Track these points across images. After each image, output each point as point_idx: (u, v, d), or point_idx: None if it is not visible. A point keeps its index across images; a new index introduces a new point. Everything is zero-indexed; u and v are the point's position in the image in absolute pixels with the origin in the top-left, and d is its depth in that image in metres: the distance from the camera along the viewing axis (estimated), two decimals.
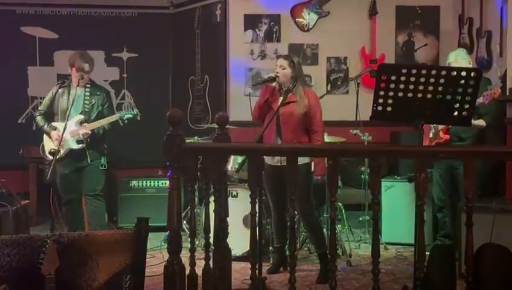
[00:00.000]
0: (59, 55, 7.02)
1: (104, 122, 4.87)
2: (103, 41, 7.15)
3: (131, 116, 4.99)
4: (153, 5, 7.36)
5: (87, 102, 4.88)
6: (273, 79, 4.52)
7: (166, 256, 3.03)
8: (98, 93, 4.98)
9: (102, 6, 7.22)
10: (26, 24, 7.06)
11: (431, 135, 4.77)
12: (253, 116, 4.61)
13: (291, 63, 4.47)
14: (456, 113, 3.07)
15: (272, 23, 7.05)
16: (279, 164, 4.40)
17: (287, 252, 4.49)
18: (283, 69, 4.47)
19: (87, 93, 4.89)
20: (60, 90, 4.93)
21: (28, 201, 4.86)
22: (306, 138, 4.46)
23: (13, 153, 6.43)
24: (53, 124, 4.91)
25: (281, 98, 4.46)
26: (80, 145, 4.85)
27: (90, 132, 4.80)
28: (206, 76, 7.14)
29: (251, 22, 7.05)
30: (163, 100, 7.15)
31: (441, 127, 4.69)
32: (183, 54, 7.29)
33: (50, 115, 4.96)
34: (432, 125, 4.76)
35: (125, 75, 7.25)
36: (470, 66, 4.72)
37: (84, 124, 4.82)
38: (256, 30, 7.06)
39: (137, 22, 7.26)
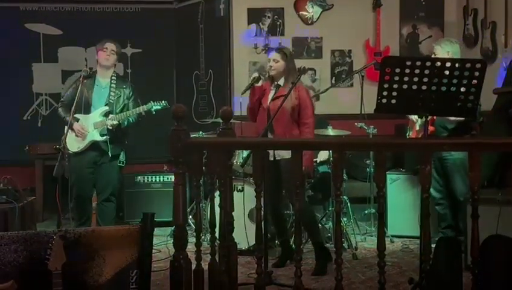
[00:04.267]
0: (63, 52, 7.02)
1: (133, 113, 4.85)
2: (107, 36, 7.06)
3: (159, 107, 4.89)
4: (156, 0, 7.35)
5: (112, 93, 4.86)
6: (258, 79, 4.47)
7: (173, 251, 3.04)
8: (124, 86, 4.97)
9: (106, 1, 7.21)
10: (30, 21, 7.06)
11: (417, 127, 4.78)
12: (249, 118, 4.64)
13: (284, 55, 4.46)
14: (460, 104, 3.06)
15: (276, 16, 7.04)
16: (273, 158, 4.39)
17: (293, 246, 4.50)
18: (276, 62, 4.44)
19: (113, 85, 4.87)
20: (85, 81, 4.83)
21: (34, 197, 4.87)
22: (297, 130, 4.43)
23: (19, 150, 6.44)
24: (76, 115, 4.78)
25: (271, 92, 4.45)
26: (104, 137, 4.83)
27: (117, 122, 4.78)
28: (210, 70, 7.13)
29: (254, 15, 7.04)
30: (167, 95, 7.09)
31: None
32: (187, 49, 7.28)
33: (72, 106, 4.77)
34: (415, 118, 4.78)
35: (129, 71, 7.24)
36: (447, 55, 4.70)
37: (111, 115, 4.80)
38: (260, 24, 7.05)
39: (141, 17, 7.25)
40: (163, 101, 4.94)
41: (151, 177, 6.26)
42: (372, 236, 5.47)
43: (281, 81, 4.48)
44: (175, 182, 3.03)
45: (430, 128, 4.67)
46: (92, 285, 2.89)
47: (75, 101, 4.67)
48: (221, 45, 7.02)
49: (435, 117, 4.62)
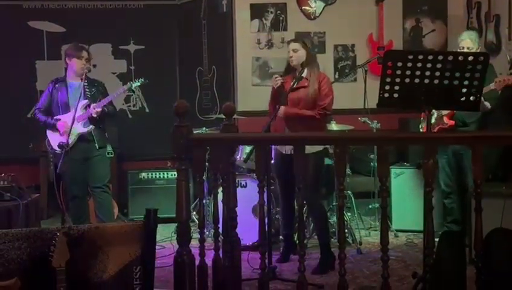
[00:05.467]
0: None
1: (114, 94, 5.01)
2: (110, 34, 7.15)
3: (138, 84, 5.10)
4: None
5: (87, 90, 4.95)
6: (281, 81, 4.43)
7: (177, 247, 3.04)
8: (96, 84, 5.10)
9: None
10: (33, 18, 7.07)
11: (433, 120, 4.75)
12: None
13: (304, 44, 4.44)
14: (463, 98, 3.05)
15: (278, 11, 7.02)
16: (289, 153, 4.36)
17: (296, 240, 4.49)
18: (295, 52, 4.42)
19: (86, 84, 4.96)
20: (57, 85, 5.01)
21: (38, 195, 4.88)
22: (316, 128, 4.38)
23: (23, 148, 6.47)
24: (57, 117, 4.97)
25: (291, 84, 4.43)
26: (88, 128, 4.91)
27: (100, 109, 4.87)
28: (214, 67, 7.13)
29: (257, 11, 7.03)
30: (171, 92, 7.14)
31: (444, 112, 4.66)
32: (190, 45, 7.28)
33: (49, 112, 5.03)
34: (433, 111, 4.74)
35: (132, 68, 7.24)
36: (478, 50, 4.68)
37: (92, 105, 4.88)
38: (263, 19, 7.04)
39: (143, 14, 7.24)
40: (141, 78, 5.12)
41: (155, 174, 6.28)
42: (376, 231, 5.46)
43: (305, 73, 4.42)
44: (178, 178, 3.03)
45: (450, 122, 4.65)
46: (95, 282, 2.89)
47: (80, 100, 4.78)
48: (224, 40, 7.02)
49: (454, 111, 4.59)
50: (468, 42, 4.65)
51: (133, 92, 5.17)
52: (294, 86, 4.35)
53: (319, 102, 4.36)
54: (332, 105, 4.44)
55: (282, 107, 4.34)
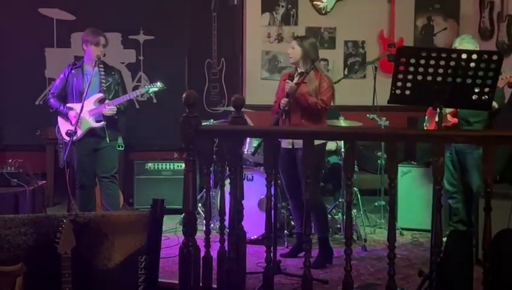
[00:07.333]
0: (76, 37, 6.96)
1: (129, 95, 4.94)
2: (120, 23, 7.12)
3: (156, 89, 5.01)
4: None
5: (103, 81, 4.88)
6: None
7: (182, 238, 3.04)
8: (113, 72, 5.00)
9: None
10: (43, 5, 7.05)
11: (437, 119, 4.71)
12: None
13: (300, 42, 4.44)
14: (476, 97, 3.03)
15: (289, 6, 7.00)
16: (291, 146, 4.35)
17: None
18: (293, 49, 4.44)
19: (102, 73, 4.89)
20: (73, 71, 4.90)
21: (45, 181, 4.89)
22: (316, 121, 4.35)
23: (31, 135, 6.47)
24: (68, 105, 4.88)
25: (295, 80, 4.42)
26: (101, 123, 4.85)
27: (114, 111, 4.82)
28: (223, 59, 7.11)
29: (268, 4, 7.01)
30: (179, 83, 7.10)
31: (448, 110, 4.62)
32: (200, 37, 7.26)
33: (62, 97, 4.94)
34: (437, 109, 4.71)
35: (141, 58, 7.22)
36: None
37: (107, 101, 4.82)
38: (274, 13, 7.02)
39: (154, 4, 7.20)
40: (158, 83, 5.01)
41: (162, 165, 6.27)
42: (381, 228, 5.45)
43: (301, 70, 4.44)
44: (185, 169, 3.02)
45: (454, 120, 4.61)
46: (100, 269, 2.89)
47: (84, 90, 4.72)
48: (234, 33, 7.00)
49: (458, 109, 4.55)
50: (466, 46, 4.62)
51: (150, 95, 5.05)
52: (297, 80, 4.33)
53: (320, 96, 4.34)
54: (331, 101, 4.41)
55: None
